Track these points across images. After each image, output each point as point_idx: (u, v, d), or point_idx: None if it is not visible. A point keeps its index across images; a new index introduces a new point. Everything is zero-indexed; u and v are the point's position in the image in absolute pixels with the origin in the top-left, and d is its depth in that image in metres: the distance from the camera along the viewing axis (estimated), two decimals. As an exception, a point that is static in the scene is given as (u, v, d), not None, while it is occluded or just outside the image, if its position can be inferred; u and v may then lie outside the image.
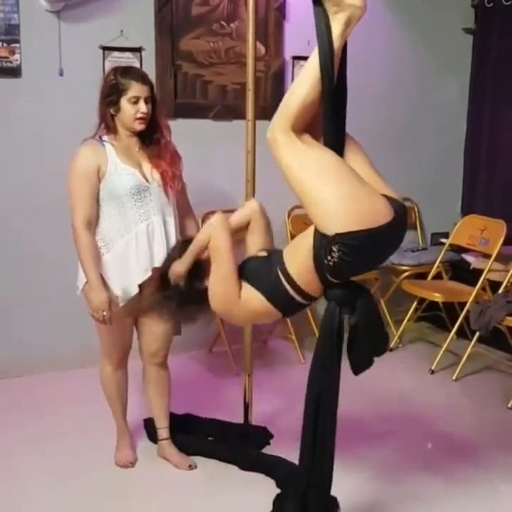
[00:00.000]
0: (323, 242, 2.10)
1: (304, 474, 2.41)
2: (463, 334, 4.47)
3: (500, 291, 4.14)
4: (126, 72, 2.87)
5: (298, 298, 2.25)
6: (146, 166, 2.89)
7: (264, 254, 2.40)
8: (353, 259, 2.09)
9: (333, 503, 2.63)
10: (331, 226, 2.07)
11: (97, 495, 2.93)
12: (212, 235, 2.35)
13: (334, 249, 2.07)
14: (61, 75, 3.94)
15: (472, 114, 5.19)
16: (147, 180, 2.87)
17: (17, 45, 3.83)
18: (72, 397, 3.81)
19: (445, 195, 5.27)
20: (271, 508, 2.76)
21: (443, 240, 4.84)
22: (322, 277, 2.17)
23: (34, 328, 4.13)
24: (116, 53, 4.03)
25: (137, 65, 4.03)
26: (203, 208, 4.26)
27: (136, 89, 2.80)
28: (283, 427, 3.43)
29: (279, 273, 2.25)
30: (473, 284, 4.31)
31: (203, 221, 4.32)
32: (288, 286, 2.24)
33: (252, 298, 2.30)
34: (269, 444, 3.33)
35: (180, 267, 2.45)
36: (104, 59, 4.00)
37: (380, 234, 2.07)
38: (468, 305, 4.23)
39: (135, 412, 3.38)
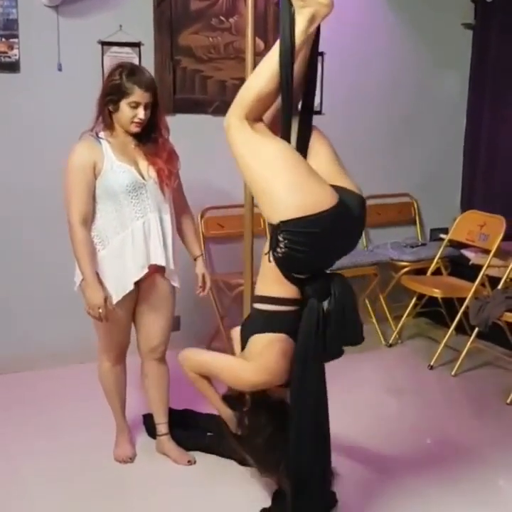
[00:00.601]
0: (271, 234, 2.14)
1: (302, 476, 2.38)
2: (462, 330, 4.47)
3: (499, 286, 4.14)
4: (132, 74, 2.81)
5: (282, 308, 2.25)
6: (143, 164, 2.88)
7: None
8: (302, 248, 2.10)
9: (331, 497, 2.64)
10: (276, 215, 2.10)
11: (97, 491, 2.93)
12: (192, 367, 2.47)
13: (280, 238, 2.10)
14: (60, 69, 3.93)
15: (472, 109, 5.19)
16: (143, 178, 2.86)
17: (16, 40, 3.82)
18: (71, 393, 3.81)
19: (444, 190, 5.27)
20: (269, 502, 2.77)
21: (442, 236, 4.84)
22: (285, 274, 2.19)
23: (33, 324, 4.13)
24: (115, 48, 4.02)
25: (136, 60, 4.02)
26: (202, 202, 4.27)
27: (138, 95, 2.78)
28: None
29: (255, 306, 2.30)
30: (473, 279, 4.31)
31: (202, 217, 4.33)
32: (266, 306, 2.26)
33: (255, 345, 2.30)
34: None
35: (224, 416, 2.53)
36: (102, 54, 4.00)
37: (322, 220, 2.08)
38: (467, 301, 4.23)
39: (134, 408, 3.39)
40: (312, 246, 2.12)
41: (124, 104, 2.79)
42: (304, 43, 2.14)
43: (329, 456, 2.41)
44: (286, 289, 2.23)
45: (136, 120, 2.81)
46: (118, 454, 3.15)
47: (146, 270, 2.88)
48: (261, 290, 2.30)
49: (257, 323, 2.31)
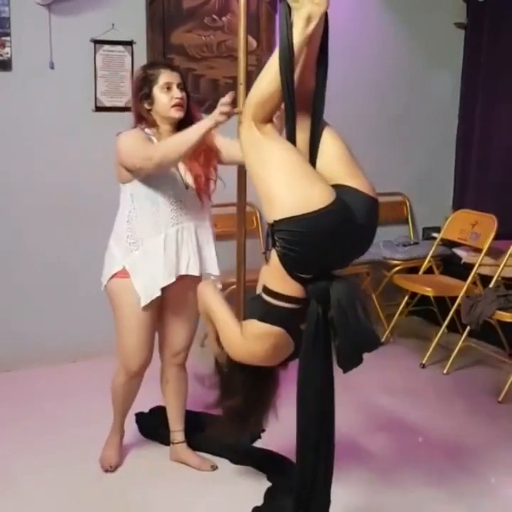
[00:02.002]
0: (268, 233, 2.15)
1: (306, 477, 2.36)
2: (454, 328, 4.48)
3: (491, 285, 4.14)
4: (153, 63, 2.85)
5: (284, 304, 2.22)
6: (182, 169, 2.79)
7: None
8: (295, 248, 2.08)
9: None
10: (272, 214, 2.11)
11: (94, 489, 2.93)
12: (200, 300, 2.44)
13: (276, 238, 2.10)
14: (52, 68, 3.92)
15: (464, 108, 5.20)
16: (184, 184, 2.79)
17: (7, 38, 3.81)
18: (65, 392, 3.79)
19: (437, 189, 5.28)
20: (261, 501, 2.77)
21: (434, 235, 4.85)
22: (289, 273, 2.17)
23: (28, 323, 4.12)
24: (107, 47, 4.02)
25: (128, 58, 4.03)
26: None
27: (166, 75, 2.73)
28: (274, 420, 3.43)
29: (262, 294, 2.28)
30: (464, 278, 4.32)
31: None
32: (269, 298, 2.24)
33: (252, 328, 2.29)
34: (260, 437, 3.33)
35: (213, 347, 2.48)
36: (95, 52, 3.99)
37: (312, 220, 2.05)
38: (459, 299, 4.24)
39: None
40: (305, 247, 2.10)
41: (157, 91, 2.73)
42: (305, 43, 2.13)
43: (332, 459, 2.38)
44: (288, 287, 2.20)
45: (174, 102, 2.72)
46: (103, 457, 3.06)
47: (173, 279, 2.78)
48: (267, 281, 2.26)
49: (258, 311, 2.29)
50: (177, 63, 4.23)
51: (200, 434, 3.26)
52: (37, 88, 3.93)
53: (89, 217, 4.00)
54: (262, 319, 2.27)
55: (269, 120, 2.19)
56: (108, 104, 4.05)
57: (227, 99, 2.46)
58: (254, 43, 4.37)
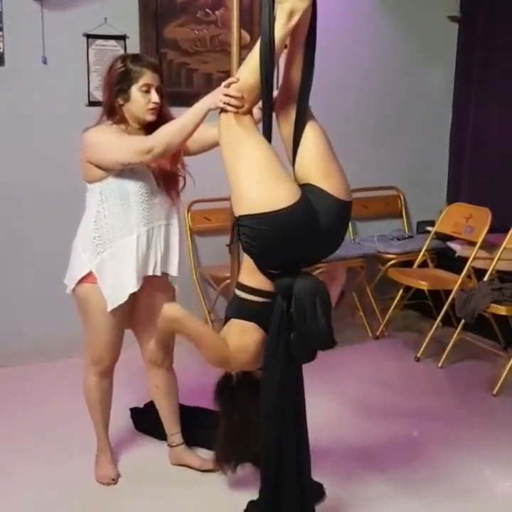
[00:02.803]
0: (232, 227, 2.22)
1: (269, 473, 2.40)
2: (448, 322, 4.49)
3: (485, 278, 4.15)
4: (137, 59, 2.66)
5: (255, 298, 2.27)
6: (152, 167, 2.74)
7: None
8: (256, 244, 2.14)
9: (318, 490, 2.64)
10: (237, 209, 2.16)
11: (86, 486, 2.93)
12: (163, 320, 2.38)
13: (240, 232, 2.16)
14: (44, 63, 3.91)
15: (458, 101, 5.21)
16: (157, 183, 2.74)
17: (0, 33, 3.79)
18: (60, 388, 3.79)
19: (431, 183, 5.29)
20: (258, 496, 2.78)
21: (429, 228, 4.86)
22: (257, 266, 2.22)
23: (22, 319, 4.12)
24: (100, 41, 4.00)
25: (121, 53, 4.00)
26: (189, 196, 4.25)
27: (148, 77, 2.62)
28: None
29: (235, 290, 2.32)
30: (459, 271, 4.32)
31: (188, 210, 4.32)
32: (241, 293, 2.28)
33: (230, 330, 2.33)
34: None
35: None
36: (87, 47, 3.98)
37: (276, 219, 2.08)
38: (453, 293, 4.24)
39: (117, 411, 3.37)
40: (263, 243, 2.14)
41: (135, 91, 2.62)
42: (287, 37, 2.15)
43: (307, 454, 2.41)
44: (258, 280, 2.25)
45: (150, 105, 2.63)
46: (100, 476, 2.97)
47: (141, 282, 2.72)
48: (240, 277, 2.33)
49: (233, 307, 2.35)
50: (170, 57, 4.24)
51: (198, 429, 3.26)
52: (30, 83, 3.91)
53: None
54: (236, 315, 2.30)
55: (249, 112, 2.21)
56: (101, 99, 4.03)
57: (232, 80, 2.25)
58: (247, 36, 4.35)
